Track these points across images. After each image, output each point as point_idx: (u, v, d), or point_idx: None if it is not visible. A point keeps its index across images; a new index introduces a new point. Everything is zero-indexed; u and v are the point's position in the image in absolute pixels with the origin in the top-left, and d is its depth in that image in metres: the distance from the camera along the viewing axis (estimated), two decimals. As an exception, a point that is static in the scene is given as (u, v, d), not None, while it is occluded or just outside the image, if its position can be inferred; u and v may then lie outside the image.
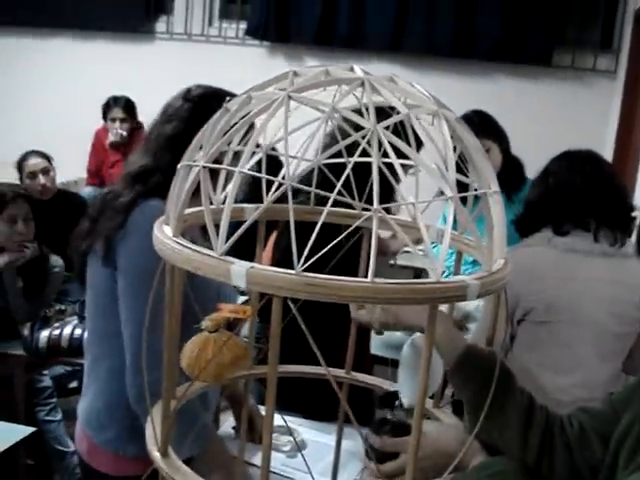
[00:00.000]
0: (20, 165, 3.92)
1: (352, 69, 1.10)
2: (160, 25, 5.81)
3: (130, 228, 1.57)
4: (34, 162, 3.89)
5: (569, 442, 1.19)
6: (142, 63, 5.63)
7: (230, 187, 0.97)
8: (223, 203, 1.07)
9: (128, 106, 4.89)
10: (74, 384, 3.88)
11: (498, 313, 1.11)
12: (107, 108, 4.96)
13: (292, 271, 0.89)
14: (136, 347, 1.56)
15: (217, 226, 1.01)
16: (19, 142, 4.30)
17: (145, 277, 1.52)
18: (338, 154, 1.06)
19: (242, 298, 2.58)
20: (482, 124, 3.00)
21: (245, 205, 1.30)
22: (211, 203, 1.14)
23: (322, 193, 1.03)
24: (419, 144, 1.03)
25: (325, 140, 1.31)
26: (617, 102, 4.74)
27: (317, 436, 1.96)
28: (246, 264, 0.92)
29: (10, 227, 3.03)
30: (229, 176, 1.13)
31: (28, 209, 3.10)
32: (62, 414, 3.29)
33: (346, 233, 1.10)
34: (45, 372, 3.29)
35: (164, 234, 1.04)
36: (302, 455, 1.66)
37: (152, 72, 5.52)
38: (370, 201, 1.04)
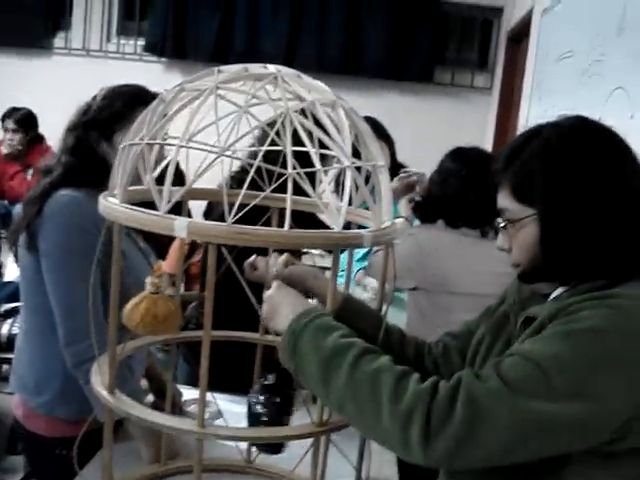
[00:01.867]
0: None
1: (266, 67, 1.34)
2: (58, 41, 5.90)
3: (47, 215, 1.74)
4: None
5: (435, 359, 1.46)
6: (40, 78, 5.70)
7: (170, 159, 1.19)
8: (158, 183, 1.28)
9: (22, 119, 4.96)
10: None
11: (388, 265, 1.37)
12: (3, 119, 5.02)
13: (224, 223, 1.11)
14: (67, 321, 1.74)
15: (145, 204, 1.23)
16: None
17: (66, 258, 1.74)
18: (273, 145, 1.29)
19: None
20: (374, 127, 3.28)
21: (173, 187, 1.51)
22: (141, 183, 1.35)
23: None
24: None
25: (258, 133, 1.55)
26: (493, 115, 5.19)
27: (230, 406, 2.15)
28: (186, 219, 1.14)
29: None
30: (159, 160, 1.35)
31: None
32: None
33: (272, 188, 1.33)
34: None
35: (112, 202, 1.24)
36: (225, 420, 1.86)
37: (50, 87, 5.59)
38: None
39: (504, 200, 1.22)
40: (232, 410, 2.11)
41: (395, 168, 3.45)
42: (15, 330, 2.93)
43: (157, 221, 1.15)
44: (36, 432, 1.91)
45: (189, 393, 2.19)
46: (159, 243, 2.21)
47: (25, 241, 1.78)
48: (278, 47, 5.39)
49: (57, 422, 1.87)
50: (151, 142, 1.22)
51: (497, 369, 1.07)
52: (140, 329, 1.32)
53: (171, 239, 3.13)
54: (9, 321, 3.04)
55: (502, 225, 1.24)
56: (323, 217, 2.04)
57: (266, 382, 1.54)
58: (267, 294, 1.34)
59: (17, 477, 3.29)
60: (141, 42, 5.74)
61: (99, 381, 1.35)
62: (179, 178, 1.26)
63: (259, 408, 1.52)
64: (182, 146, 1.17)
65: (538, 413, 1.03)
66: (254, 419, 1.54)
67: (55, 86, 5.61)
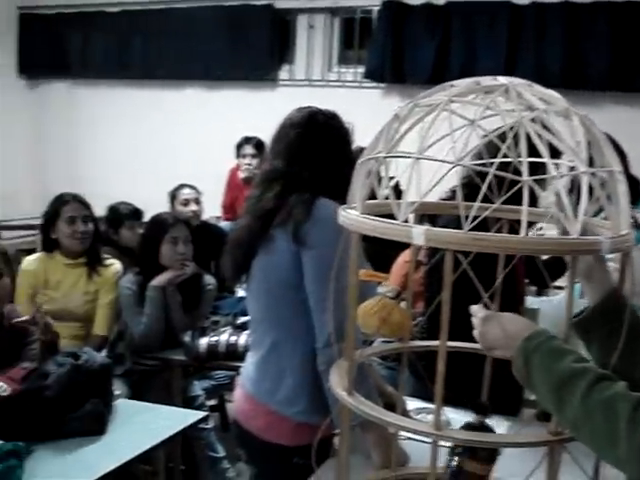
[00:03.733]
0: (174, 194, 4.46)
1: (496, 79, 1.37)
2: (283, 73, 6.29)
3: (320, 218, 1.87)
4: (187, 192, 4.44)
5: None
6: (267, 108, 6.04)
7: (390, 173, 1.25)
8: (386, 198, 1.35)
9: (258, 144, 5.29)
10: (213, 402, 4.21)
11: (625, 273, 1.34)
12: (239, 147, 5.40)
13: (461, 230, 1.15)
14: (331, 322, 1.74)
15: (387, 216, 1.29)
16: (155, 184, 4.84)
17: (334, 260, 1.75)
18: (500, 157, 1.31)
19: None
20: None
21: (400, 201, 1.57)
22: (376, 197, 1.43)
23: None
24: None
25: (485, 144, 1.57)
26: None
27: (458, 418, 2.16)
28: (423, 227, 1.19)
29: (172, 248, 3.39)
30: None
31: (188, 232, 3.47)
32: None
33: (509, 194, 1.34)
34: (195, 382, 3.62)
35: (352, 213, 1.33)
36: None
37: (276, 116, 5.92)
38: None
39: None
40: (461, 419, 2.13)
41: (629, 182, 3.31)
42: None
43: (396, 229, 1.22)
44: (271, 441, 2.00)
45: (414, 404, 2.23)
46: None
47: (293, 234, 1.88)
48: (496, 65, 5.34)
49: (305, 429, 1.92)
50: (389, 156, 1.29)
51: None
52: (377, 331, 1.39)
53: (394, 257, 3.21)
54: (246, 333, 3.24)
55: None
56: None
57: (472, 422, 1.53)
58: (477, 331, 1.37)
59: (246, 480, 3.49)
60: (361, 69, 5.95)
61: (338, 383, 1.43)
62: (398, 193, 1.32)
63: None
64: (419, 157, 1.23)
65: None
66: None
67: (280, 115, 5.94)
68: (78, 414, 2.27)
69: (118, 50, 6.76)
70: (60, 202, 3.41)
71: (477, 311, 1.38)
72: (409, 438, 1.89)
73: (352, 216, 1.32)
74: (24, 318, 2.60)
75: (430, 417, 2.12)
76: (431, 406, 1.92)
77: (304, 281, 1.89)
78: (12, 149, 7.21)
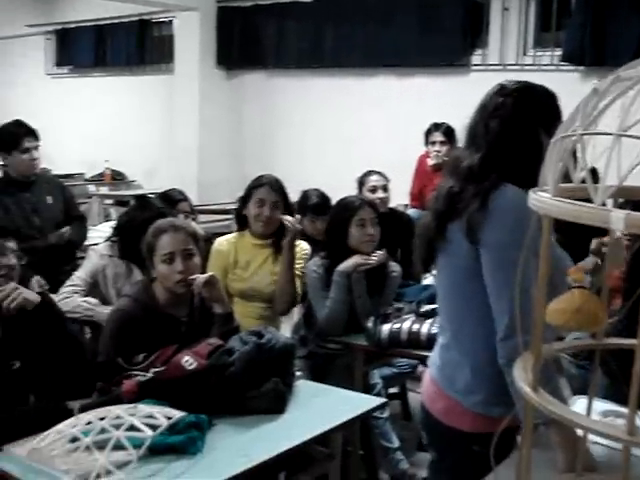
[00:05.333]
0: (362, 181, 4.46)
1: None
2: (475, 58, 6.15)
3: (494, 209, 1.78)
4: (376, 178, 4.42)
5: None
6: (459, 94, 5.93)
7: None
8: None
9: (448, 131, 5.21)
10: (395, 389, 4.18)
11: None
12: (428, 133, 5.34)
13: (667, 216, 1.03)
14: (509, 315, 1.74)
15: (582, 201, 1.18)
16: (345, 171, 4.87)
17: (513, 251, 1.62)
18: None
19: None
20: None
21: (598, 185, 1.45)
22: (570, 180, 1.32)
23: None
24: None
25: None
26: None
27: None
28: (624, 211, 1.07)
29: (360, 230, 3.39)
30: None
31: (375, 215, 3.45)
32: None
33: None
34: (375, 371, 3.60)
35: (543, 196, 1.23)
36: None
37: (468, 102, 5.79)
38: None
39: None
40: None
41: None
42: (434, 330, 3.05)
43: (592, 213, 1.11)
44: (451, 426, 1.97)
45: (606, 407, 2.09)
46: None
47: (466, 232, 1.82)
48: None
49: (484, 419, 1.89)
50: (586, 133, 1.18)
51: None
52: (568, 324, 1.28)
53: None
54: (429, 321, 3.18)
55: None
56: None
57: None
58: None
59: (423, 471, 3.43)
60: (558, 52, 5.70)
61: (522, 377, 1.35)
62: (595, 179, 1.21)
63: None
64: (621, 135, 1.11)
65: None
66: None
67: (473, 101, 5.78)
68: (259, 392, 2.32)
69: (312, 39, 6.91)
70: (256, 184, 3.48)
71: None
72: (598, 443, 1.76)
73: (543, 199, 1.22)
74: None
75: (620, 421, 1.97)
76: (623, 410, 1.79)
77: (483, 272, 1.82)
78: (211, 137, 7.59)
